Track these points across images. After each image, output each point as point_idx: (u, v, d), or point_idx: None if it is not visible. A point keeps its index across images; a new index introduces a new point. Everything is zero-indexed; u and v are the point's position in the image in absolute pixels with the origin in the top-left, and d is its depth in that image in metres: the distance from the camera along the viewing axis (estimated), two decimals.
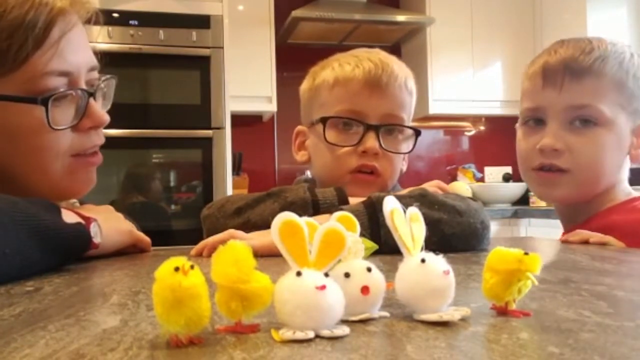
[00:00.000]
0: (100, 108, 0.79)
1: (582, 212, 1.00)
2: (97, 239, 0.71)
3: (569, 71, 0.94)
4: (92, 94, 0.77)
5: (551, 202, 1.04)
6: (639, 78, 0.96)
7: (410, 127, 1.00)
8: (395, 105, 0.97)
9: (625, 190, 1.01)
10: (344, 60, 0.99)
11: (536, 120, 0.99)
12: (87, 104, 0.76)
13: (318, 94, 1.01)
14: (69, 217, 0.67)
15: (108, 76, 0.82)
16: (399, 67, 0.99)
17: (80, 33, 0.77)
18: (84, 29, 0.79)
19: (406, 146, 1.00)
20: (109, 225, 0.76)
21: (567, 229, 1.02)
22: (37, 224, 0.61)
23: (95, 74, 0.80)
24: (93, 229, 0.70)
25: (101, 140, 0.80)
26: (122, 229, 0.81)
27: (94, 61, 0.79)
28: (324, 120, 0.97)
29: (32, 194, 0.74)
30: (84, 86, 0.77)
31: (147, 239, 0.87)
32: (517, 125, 1.05)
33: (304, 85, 1.05)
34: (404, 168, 1.05)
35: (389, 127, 0.97)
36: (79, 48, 0.76)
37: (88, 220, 0.70)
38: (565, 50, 0.96)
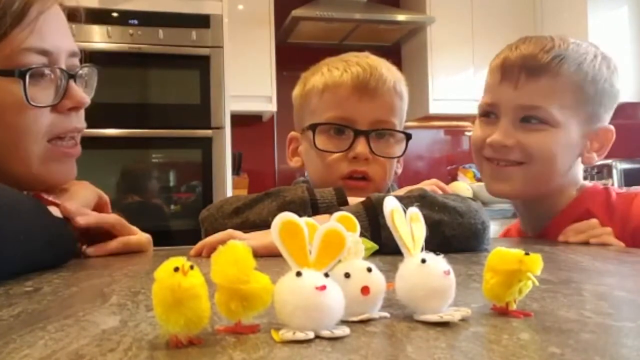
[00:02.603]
0: (80, 91, 0.79)
1: (541, 211, 1.00)
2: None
3: (526, 68, 0.93)
4: (72, 76, 0.77)
5: (499, 196, 1.01)
6: (598, 81, 0.94)
7: (400, 132, 1.00)
8: (384, 109, 0.97)
9: (583, 184, 1.02)
10: (332, 66, 0.99)
11: (492, 114, 0.98)
12: (67, 85, 0.76)
13: (308, 100, 1.01)
14: (52, 210, 0.69)
15: (88, 65, 0.82)
16: (387, 71, 0.98)
17: (59, 17, 0.78)
18: (64, 16, 0.79)
19: (398, 150, 1.00)
20: (71, 196, 0.77)
21: (536, 233, 1.03)
22: (41, 216, 0.63)
23: (76, 61, 0.80)
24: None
25: (82, 124, 0.80)
26: (80, 191, 0.82)
27: (74, 47, 0.79)
28: (313, 127, 0.97)
29: (6, 179, 0.75)
30: (64, 68, 0.77)
31: (105, 196, 0.87)
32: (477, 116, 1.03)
33: (296, 91, 1.05)
34: (399, 170, 1.05)
35: (379, 132, 0.96)
36: (58, 30, 0.77)
37: (50, 202, 0.71)
38: (526, 47, 0.95)
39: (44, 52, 0.74)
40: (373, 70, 0.96)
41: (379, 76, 0.96)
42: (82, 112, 0.80)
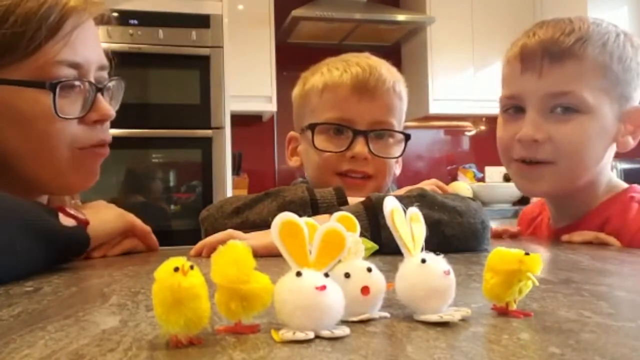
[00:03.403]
0: (107, 104, 0.80)
1: (571, 207, 0.96)
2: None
3: (548, 54, 0.87)
4: (100, 89, 0.78)
5: (533, 196, 0.98)
6: (624, 60, 0.89)
7: (399, 132, 1.00)
8: (384, 110, 0.97)
9: (611, 180, 0.97)
10: (332, 66, 0.99)
11: (516, 108, 0.93)
12: (94, 98, 0.77)
13: (308, 99, 1.01)
14: (64, 220, 0.68)
15: (116, 77, 0.82)
16: (387, 71, 0.98)
17: (91, 30, 0.79)
18: (96, 28, 0.80)
19: (397, 150, 1.00)
20: (97, 216, 0.77)
21: (560, 227, 0.99)
22: (43, 225, 0.63)
23: (105, 74, 0.81)
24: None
25: (107, 137, 0.81)
26: (109, 215, 0.81)
27: (104, 60, 0.81)
28: (312, 127, 0.97)
29: (33, 183, 0.75)
30: (92, 81, 0.78)
31: (146, 227, 0.86)
32: (499, 113, 0.99)
33: (295, 91, 1.06)
34: (398, 171, 1.05)
35: (378, 132, 0.97)
36: (90, 43, 0.78)
37: (81, 221, 0.71)
38: (544, 32, 0.89)
39: (75, 65, 0.75)
40: (373, 70, 0.96)
41: (378, 76, 0.96)
42: (107, 124, 0.81)
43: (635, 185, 0.99)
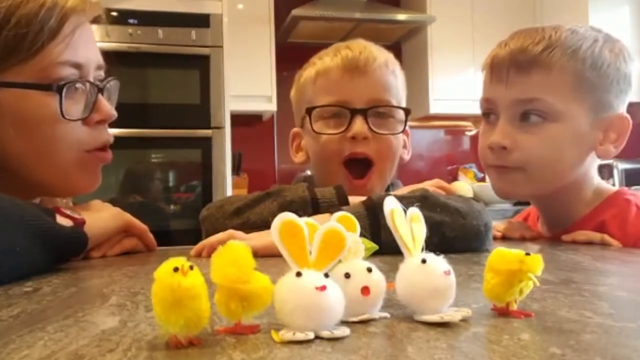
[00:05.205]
0: (108, 104, 0.80)
1: (558, 212, 0.96)
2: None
3: (515, 64, 0.88)
4: (101, 90, 0.78)
5: (508, 198, 0.99)
6: (600, 66, 0.87)
7: (398, 107, 0.98)
8: (379, 87, 0.96)
9: (600, 186, 0.96)
10: (323, 54, 1.00)
11: (493, 115, 0.93)
12: (96, 98, 0.77)
13: (304, 92, 1.01)
14: (61, 221, 0.68)
15: (111, 78, 0.82)
16: (377, 50, 0.98)
17: (89, 30, 0.79)
18: (92, 28, 0.81)
19: (399, 128, 0.98)
20: (93, 216, 0.77)
21: (553, 235, 0.99)
22: (42, 226, 0.62)
23: (102, 74, 0.81)
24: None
25: (110, 137, 0.81)
26: (106, 215, 0.81)
27: (101, 60, 0.81)
28: (309, 111, 0.97)
29: (36, 185, 0.76)
30: (92, 81, 0.78)
31: (143, 226, 0.86)
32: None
33: (292, 90, 1.06)
34: (406, 157, 1.04)
35: (376, 108, 0.95)
36: (89, 43, 0.78)
37: (77, 220, 0.71)
38: (515, 42, 0.89)
39: (77, 66, 0.75)
40: (362, 49, 0.96)
41: (368, 54, 0.95)
42: (107, 125, 0.81)
43: (625, 189, 0.99)
